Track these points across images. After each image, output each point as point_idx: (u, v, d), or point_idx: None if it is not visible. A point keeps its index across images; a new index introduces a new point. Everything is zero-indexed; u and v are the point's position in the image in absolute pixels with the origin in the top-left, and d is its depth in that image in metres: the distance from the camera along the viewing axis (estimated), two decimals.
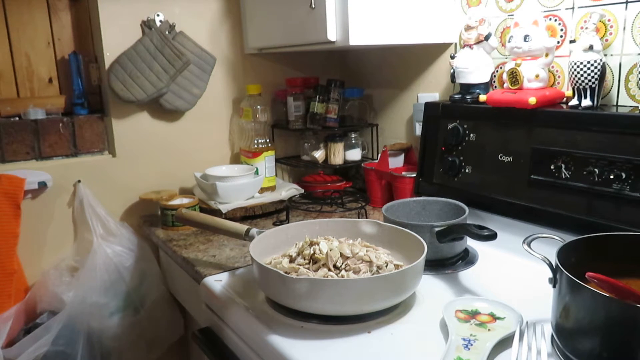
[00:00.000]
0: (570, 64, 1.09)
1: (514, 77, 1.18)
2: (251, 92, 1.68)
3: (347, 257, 0.97)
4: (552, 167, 1.11)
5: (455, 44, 1.49)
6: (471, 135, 1.30)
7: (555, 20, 1.22)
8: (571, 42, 1.11)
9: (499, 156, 1.22)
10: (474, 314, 0.88)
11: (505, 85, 1.22)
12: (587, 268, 0.73)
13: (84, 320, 1.44)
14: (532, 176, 1.15)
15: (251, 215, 1.56)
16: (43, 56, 1.61)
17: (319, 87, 1.72)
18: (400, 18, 1.38)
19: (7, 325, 1.37)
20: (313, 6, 1.34)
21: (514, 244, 1.01)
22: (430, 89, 1.60)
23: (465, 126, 1.31)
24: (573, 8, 1.18)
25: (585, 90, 1.09)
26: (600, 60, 1.06)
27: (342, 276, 0.93)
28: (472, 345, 0.78)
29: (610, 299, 0.67)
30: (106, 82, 1.56)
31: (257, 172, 1.64)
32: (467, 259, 1.15)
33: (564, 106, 1.17)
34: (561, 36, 1.22)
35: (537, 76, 1.17)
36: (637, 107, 1.10)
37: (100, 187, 1.58)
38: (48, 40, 1.61)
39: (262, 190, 1.65)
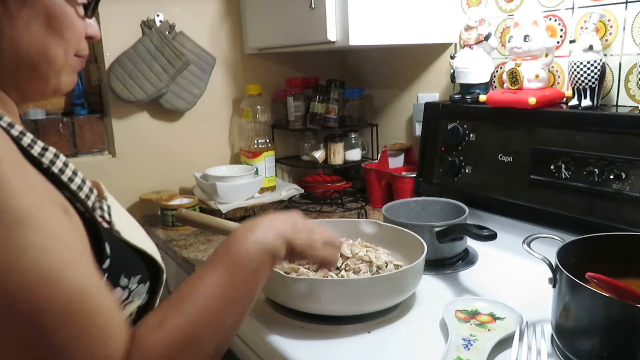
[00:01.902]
0: (570, 64, 1.09)
1: (514, 77, 1.18)
2: (251, 92, 1.68)
3: (347, 257, 0.97)
4: (552, 167, 1.11)
5: (455, 44, 1.49)
6: (471, 135, 1.30)
7: (555, 20, 1.22)
8: (571, 42, 1.11)
9: (499, 156, 1.22)
10: (474, 314, 0.88)
11: (505, 85, 1.22)
12: (587, 268, 0.73)
13: None
14: (532, 176, 1.15)
15: (251, 215, 1.56)
16: None
17: (319, 87, 1.72)
18: (400, 18, 1.38)
19: None
20: (313, 6, 1.34)
21: (514, 244, 1.01)
22: (430, 89, 1.59)
23: (465, 126, 1.31)
24: (573, 8, 1.18)
25: (585, 90, 1.09)
26: (600, 60, 1.06)
27: (342, 276, 0.93)
28: (472, 345, 0.78)
29: (610, 299, 0.67)
30: (106, 82, 1.56)
31: (257, 172, 1.64)
32: (467, 259, 1.15)
33: (564, 106, 1.17)
34: (561, 36, 1.21)
35: (537, 76, 1.17)
36: (637, 107, 1.10)
37: None
38: None
39: (262, 190, 1.65)
